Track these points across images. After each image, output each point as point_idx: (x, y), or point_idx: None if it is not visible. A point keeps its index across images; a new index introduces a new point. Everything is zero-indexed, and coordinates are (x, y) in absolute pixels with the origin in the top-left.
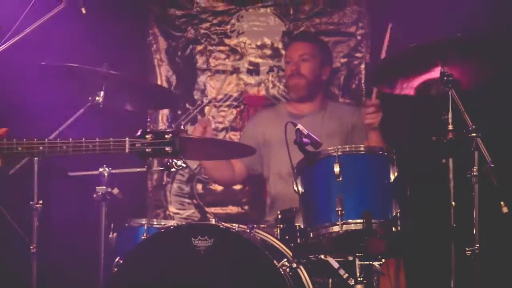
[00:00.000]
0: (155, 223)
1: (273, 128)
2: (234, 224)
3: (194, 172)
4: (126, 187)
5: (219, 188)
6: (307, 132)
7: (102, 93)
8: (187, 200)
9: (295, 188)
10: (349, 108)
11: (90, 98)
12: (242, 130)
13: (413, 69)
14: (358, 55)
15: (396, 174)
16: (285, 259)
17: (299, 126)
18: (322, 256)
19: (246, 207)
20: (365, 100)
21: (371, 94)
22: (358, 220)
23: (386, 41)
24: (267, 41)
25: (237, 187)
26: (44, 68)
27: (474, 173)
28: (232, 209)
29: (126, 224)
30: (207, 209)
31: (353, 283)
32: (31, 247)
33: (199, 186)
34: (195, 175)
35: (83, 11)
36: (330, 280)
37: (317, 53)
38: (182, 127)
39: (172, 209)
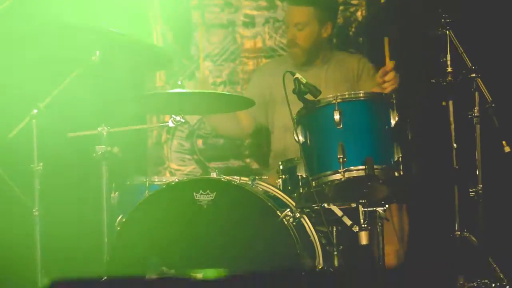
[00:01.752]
0: (156, 180)
1: (279, 79)
2: (235, 177)
3: (194, 128)
4: (126, 145)
5: (219, 142)
6: (305, 80)
7: (97, 53)
8: (187, 156)
9: (295, 138)
10: (353, 57)
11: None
12: (245, 82)
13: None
14: (354, 1)
15: (396, 118)
16: (288, 209)
17: (298, 75)
18: (326, 205)
19: (247, 160)
20: (379, 69)
21: (383, 48)
22: (360, 167)
23: None
24: None
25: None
26: (40, 27)
27: (475, 114)
28: (234, 163)
29: (128, 183)
30: (208, 164)
31: (357, 230)
32: (34, 210)
33: (200, 141)
34: (195, 131)
35: None
36: (335, 229)
37: (314, 17)
38: (179, 82)
39: (173, 165)
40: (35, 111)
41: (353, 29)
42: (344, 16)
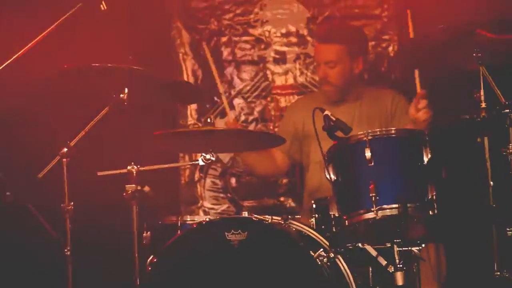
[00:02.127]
0: (188, 219)
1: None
2: (267, 216)
3: (227, 166)
4: (157, 184)
5: (253, 180)
6: (335, 117)
7: (126, 90)
8: (221, 195)
9: (327, 176)
10: (386, 93)
11: (114, 96)
12: (277, 119)
13: (442, 47)
14: (386, 37)
15: (429, 156)
16: (322, 249)
17: (327, 112)
18: (360, 245)
19: (282, 199)
20: (416, 94)
21: (414, 80)
22: (393, 205)
23: (410, 25)
24: (292, 29)
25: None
26: (66, 71)
27: (510, 151)
28: (268, 201)
29: (160, 222)
30: (242, 202)
31: (392, 271)
32: (65, 250)
33: (233, 180)
34: (228, 169)
35: (103, 7)
36: (370, 269)
37: (345, 54)
38: (209, 120)
39: (206, 204)
40: (65, 149)
41: (385, 65)
42: (375, 52)
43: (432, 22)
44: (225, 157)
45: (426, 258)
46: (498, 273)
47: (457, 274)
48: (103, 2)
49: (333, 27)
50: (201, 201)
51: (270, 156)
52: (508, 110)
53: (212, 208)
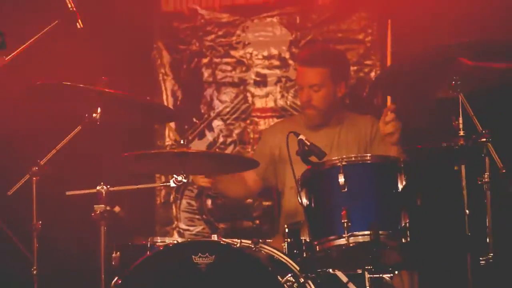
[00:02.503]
0: (158, 241)
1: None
2: (236, 240)
3: (203, 187)
4: (132, 204)
5: (228, 203)
6: (310, 142)
7: (99, 110)
8: (196, 216)
9: (299, 200)
10: (367, 119)
11: (86, 115)
12: (256, 141)
13: (419, 74)
14: (368, 62)
15: (404, 183)
16: (290, 274)
17: (302, 136)
18: (331, 270)
19: (257, 221)
20: (384, 109)
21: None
22: (365, 232)
23: (389, 40)
24: (274, 51)
25: (248, 201)
26: (38, 88)
27: (485, 180)
28: (243, 224)
29: (129, 243)
30: (217, 224)
31: None
32: (32, 269)
33: (209, 201)
34: (204, 190)
35: (79, 25)
36: None
37: (328, 77)
38: (182, 142)
39: (181, 225)
40: (35, 168)
41: (366, 90)
42: (357, 77)
43: (412, 46)
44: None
45: (400, 286)
46: None
47: None
48: (79, 20)
49: (317, 50)
50: (176, 222)
51: (241, 179)
52: (484, 139)
53: (187, 230)
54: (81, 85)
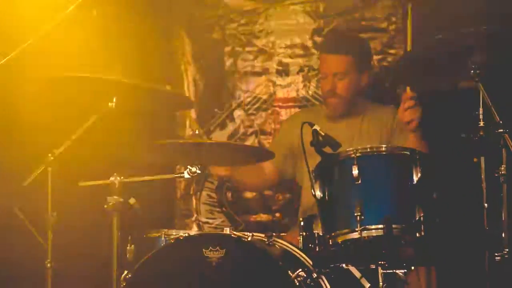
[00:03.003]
0: (173, 233)
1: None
2: (247, 233)
3: (223, 180)
4: (151, 197)
5: (249, 195)
6: (324, 132)
7: (114, 99)
8: (216, 209)
9: (313, 193)
10: (389, 110)
11: (102, 105)
12: (275, 132)
13: (438, 62)
14: (392, 51)
15: (419, 175)
16: (300, 269)
17: (316, 126)
18: (344, 265)
19: (277, 215)
20: (402, 95)
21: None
22: (379, 226)
23: (409, 25)
24: (297, 40)
25: (268, 193)
26: (55, 79)
27: (502, 172)
28: (263, 217)
29: (144, 236)
30: (237, 217)
31: None
32: (46, 262)
33: (229, 194)
34: (225, 182)
35: (95, 13)
36: None
37: (353, 65)
38: (196, 132)
39: (201, 218)
40: (51, 158)
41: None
42: (381, 66)
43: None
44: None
45: (416, 282)
46: None
47: None
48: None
49: (342, 37)
50: (195, 215)
51: (258, 169)
52: (501, 130)
53: (207, 222)
54: (97, 76)
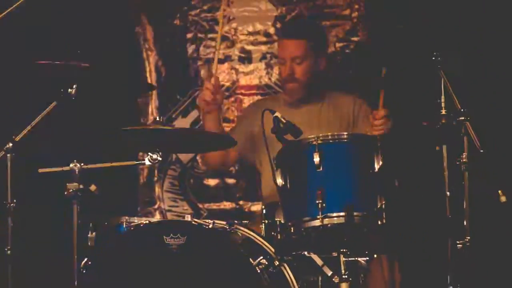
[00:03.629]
0: (135, 221)
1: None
2: (208, 221)
3: (186, 167)
4: (113, 184)
5: (212, 183)
6: (285, 119)
7: (74, 86)
8: (180, 197)
9: (275, 181)
10: (349, 98)
11: (62, 90)
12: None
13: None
14: (355, 39)
15: (381, 163)
16: (261, 257)
17: (277, 113)
18: (306, 253)
19: (240, 202)
20: (372, 111)
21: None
22: (340, 213)
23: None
24: (259, 27)
25: (231, 181)
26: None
27: (464, 160)
28: (226, 205)
29: (106, 223)
30: (200, 205)
31: (338, 281)
32: (6, 249)
33: (192, 181)
34: (188, 170)
35: None
36: (320, 278)
37: (310, 49)
38: (157, 118)
39: (164, 206)
40: (10, 144)
41: (352, 67)
42: (344, 54)
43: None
44: (185, 158)
45: (379, 269)
46: (451, 287)
47: (411, 287)
48: None
49: (299, 22)
50: (158, 202)
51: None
52: (463, 118)
53: (170, 210)
54: (55, 62)
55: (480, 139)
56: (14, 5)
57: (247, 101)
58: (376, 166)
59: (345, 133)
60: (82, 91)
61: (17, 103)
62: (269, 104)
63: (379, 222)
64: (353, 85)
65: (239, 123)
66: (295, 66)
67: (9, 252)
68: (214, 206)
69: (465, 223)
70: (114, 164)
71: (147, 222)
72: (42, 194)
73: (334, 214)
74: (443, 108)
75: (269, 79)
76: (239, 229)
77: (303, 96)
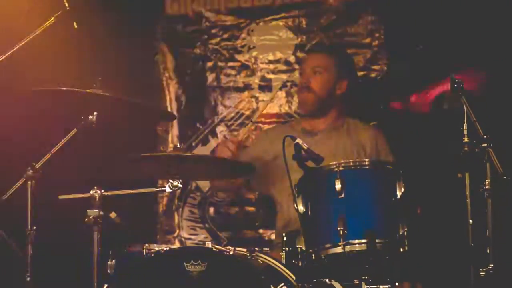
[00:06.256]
0: (155, 247)
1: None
2: (229, 247)
3: (205, 195)
4: (132, 211)
5: (232, 211)
6: (307, 146)
7: (95, 113)
8: (199, 225)
9: (296, 208)
10: (368, 129)
11: (82, 117)
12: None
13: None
14: (376, 67)
15: (403, 190)
16: (283, 284)
17: (299, 140)
18: (327, 280)
19: (260, 231)
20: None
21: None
22: (362, 240)
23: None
24: (280, 55)
25: (251, 209)
26: (34, 93)
27: (487, 187)
28: (246, 233)
29: (125, 250)
30: (220, 233)
31: None
32: (26, 276)
33: (211, 210)
34: (207, 198)
35: (75, 25)
36: None
37: (333, 65)
38: (178, 145)
39: (183, 234)
40: (30, 171)
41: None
42: (364, 81)
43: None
44: (204, 186)
45: None
46: None
47: None
48: (75, 20)
49: (326, 41)
50: (178, 231)
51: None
52: (485, 144)
53: (189, 238)
54: (76, 90)
55: (502, 165)
56: (39, 29)
57: None
58: (398, 193)
59: (366, 159)
60: (102, 118)
61: (37, 129)
62: (283, 133)
63: (401, 250)
64: (371, 113)
65: (250, 153)
66: (313, 76)
67: (28, 279)
68: (233, 234)
69: (488, 250)
70: (134, 191)
71: (167, 248)
72: (63, 221)
73: (356, 241)
74: (466, 136)
75: (289, 107)
76: (260, 256)
77: (314, 110)
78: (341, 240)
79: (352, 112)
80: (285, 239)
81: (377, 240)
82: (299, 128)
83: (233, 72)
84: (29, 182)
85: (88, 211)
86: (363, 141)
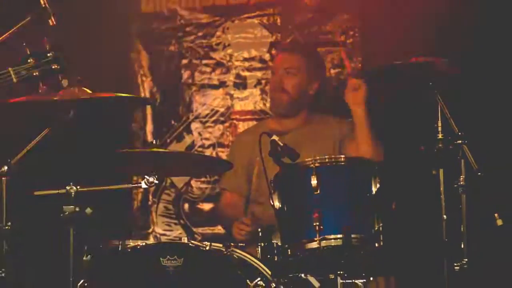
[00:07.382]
0: (131, 243)
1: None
2: (205, 243)
3: (180, 191)
4: (108, 207)
5: (206, 207)
6: (283, 143)
7: (71, 112)
8: (174, 221)
9: (272, 203)
10: (337, 122)
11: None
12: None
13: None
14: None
15: (378, 186)
16: (259, 278)
17: (275, 137)
18: (302, 275)
19: None
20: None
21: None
22: (337, 235)
23: None
24: (255, 53)
25: None
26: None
27: (461, 183)
28: (221, 229)
29: (101, 246)
30: (194, 229)
31: None
32: (0, 271)
33: (186, 206)
34: (182, 194)
35: (51, 22)
36: None
37: (305, 66)
38: (154, 142)
39: (158, 230)
40: (5, 167)
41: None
42: (339, 80)
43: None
44: (179, 182)
45: None
46: None
47: None
48: (51, 18)
49: (295, 42)
50: (153, 227)
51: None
52: (460, 141)
53: (164, 234)
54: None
55: (477, 161)
56: (16, 26)
57: (241, 127)
58: (374, 189)
59: (342, 156)
60: (78, 115)
61: (12, 126)
62: (253, 137)
63: (377, 245)
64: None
65: (232, 152)
66: (286, 77)
67: (3, 275)
68: (208, 230)
69: (462, 245)
70: (110, 187)
71: (144, 244)
72: (38, 217)
73: (332, 236)
74: (440, 132)
75: (264, 104)
76: (235, 251)
77: (287, 111)
78: (317, 235)
79: (326, 109)
80: (260, 234)
81: (352, 236)
82: (267, 130)
83: (208, 69)
84: (4, 178)
85: (63, 206)
86: (332, 135)
